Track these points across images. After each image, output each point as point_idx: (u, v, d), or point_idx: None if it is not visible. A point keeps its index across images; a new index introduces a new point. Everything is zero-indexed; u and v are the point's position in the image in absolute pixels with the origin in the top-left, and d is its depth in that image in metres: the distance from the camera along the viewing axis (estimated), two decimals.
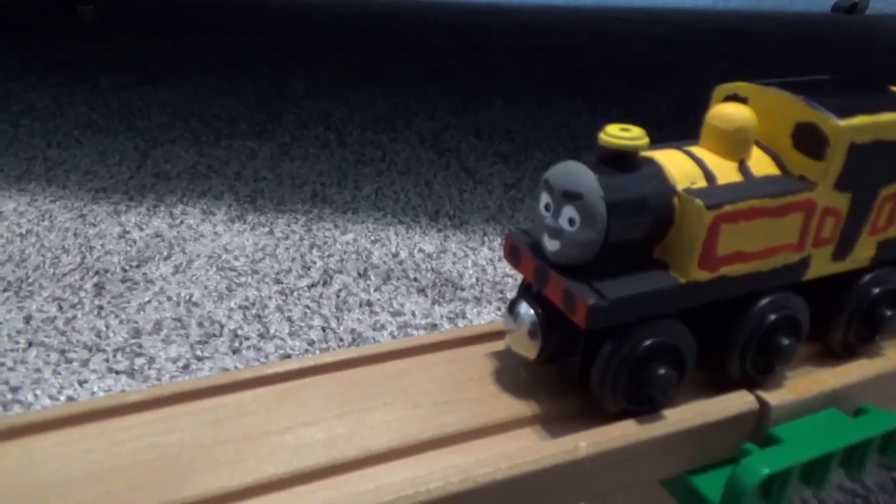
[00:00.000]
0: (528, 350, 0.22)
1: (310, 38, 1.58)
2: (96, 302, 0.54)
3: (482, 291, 0.56)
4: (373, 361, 0.24)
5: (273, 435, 0.20)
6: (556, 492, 0.20)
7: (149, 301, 0.54)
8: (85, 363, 0.47)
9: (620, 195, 0.19)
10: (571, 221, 0.20)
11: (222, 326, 0.51)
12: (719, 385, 0.23)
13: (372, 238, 0.65)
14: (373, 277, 0.58)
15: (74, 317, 0.52)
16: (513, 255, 0.22)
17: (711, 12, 2.26)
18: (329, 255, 0.62)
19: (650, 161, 0.21)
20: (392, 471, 0.20)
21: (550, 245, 0.20)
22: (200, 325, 0.51)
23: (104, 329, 0.50)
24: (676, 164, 0.21)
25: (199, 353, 0.48)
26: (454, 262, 0.61)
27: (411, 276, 0.58)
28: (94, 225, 0.67)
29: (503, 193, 0.76)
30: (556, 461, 0.20)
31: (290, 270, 0.59)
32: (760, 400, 0.22)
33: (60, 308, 0.53)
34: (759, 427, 0.22)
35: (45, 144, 0.89)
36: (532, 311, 0.21)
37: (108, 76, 1.20)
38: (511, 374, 0.24)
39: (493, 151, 0.89)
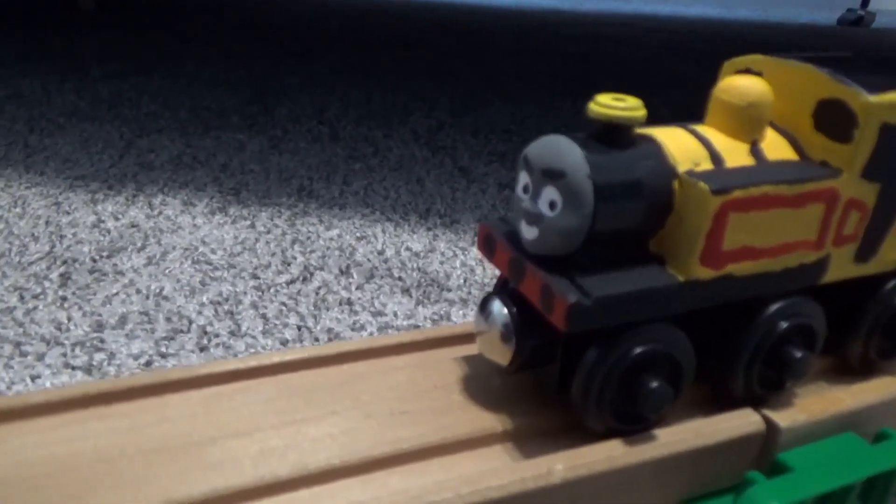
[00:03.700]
0: (501, 355, 0.19)
1: (309, 34, 1.56)
2: (60, 293, 0.51)
3: (469, 293, 0.53)
4: (325, 363, 0.21)
5: (194, 447, 0.17)
6: None
7: (116, 293, 0.51)
8: (41, 357, 0.44)
9: (611, 175, 0.17)
10: (552, 205, 0.17)
11: (191, 322, 0.48)
12: (720, 402, 0.20)
13: (357, 235, 0.62)
14: (355, 275, 0.55)
15: (35, 307, 0.49)
16: (487, 245, 0.19)
17: (717, 21, 2.24)
18: (311, 251, 0.59)
19: (647, 138, 0.18)
20: (331, 494, 0.17)
21: (528, 233, 0.17)
22: (168, 319, 0.48)
23: (65, 321, 0.47)
24: (678, 143, 0.18)
25: (163, 349, 0.45)
26: (442, 262, 0.58)
27: (396, 275, 0.55)
28: (68, 213, 0.64)
29: (497, 193, 0.73)
30: (525, 487, 0.17)
31: (268, 265, 0.56)
32: (768, 421, 0.19)
33: (22, 298, 0.50)
34: (765, 452, 0.19)
35: (27, 130, 0.86)
36: (505, 311, 0.18)
37: (100, 65, 1.17)
38: (482, 383, 0.21)
39: (489, 151, 0.86)
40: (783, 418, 0.20)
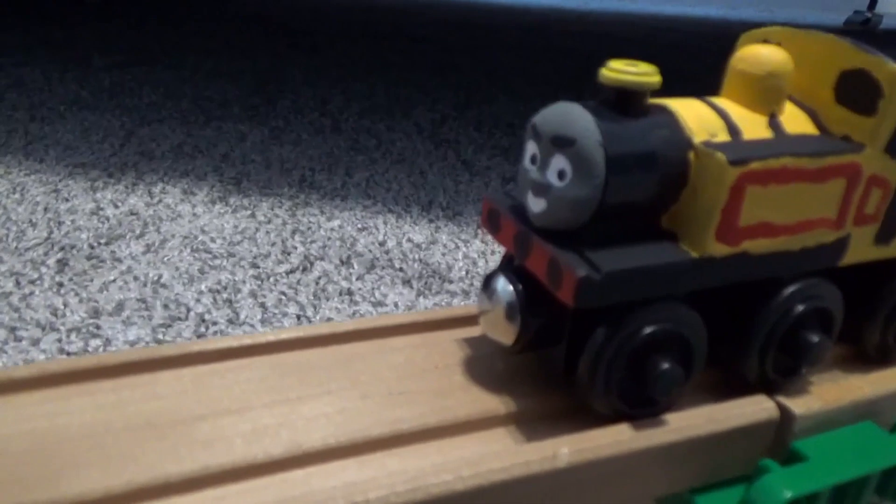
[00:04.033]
0: (505, 334, 0.18)
1: (313, 28, 1.55)
2: (57, 279, 0.50)
3: (471, 285, 0.53)
4: (321, 343, 0.20)
5: (183, 424, 0.16)
6: None
7: (113, 280, 0.50)
8: (35, 342, 0.43)
9: (624, 144, 0.16)
10: (561, 174, 0.16)
11: (189, 310, 0.47)
12: (732, 388, 0.19)
13: (359, 226, 0.62)
14: (356, 266, 0.54)
15: (31, 293, 0.48)
16: (491, 220, 0.19)
17: (722, 21, 2.23)
18: (311, 241, 0.58)
19: (662, 108, 0.17)
20: (326, 474, 0.16)
21: (535, 205, 0.17)
22: (166, 307, 0.48)
23: (61, 307, 0.47)
24: (693, 113, 0.17)
25: (160, 336, 0.44)
26: (444, 254, 0.57)
27: (397, 266, 0.55)
28: (67, 200, 0.64)
29: (500, 186, 0.73)
30: (530, 470, 0.16)
31: (268, 255, 0.56)
32: (782, 407, 0.19)
33: (18, 283, 0.49)
34: (779, 440, 0.19)
35: (28, 118, 0.85)
36: (511, 288, 0.18)
37: (103, 56, 1.17)
38: (483, 365, 0.20)
39: (492, 145, 0.85)
40: (798, 405, 0.19)
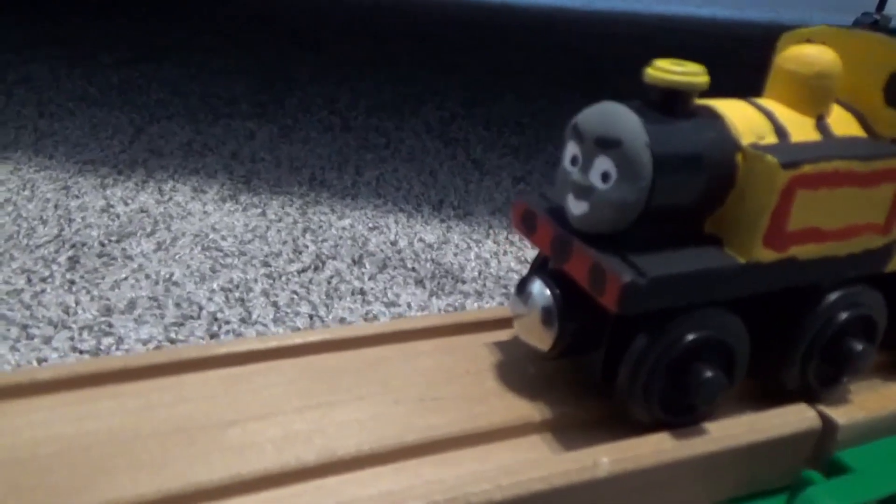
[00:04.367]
0: (541, 340, 0.17)
1: (319, 26, 1.55)
2: (68, 276, 0.50)
3: (484, 286, 0.52)
4: (349, 346, 0.19)
5: (213, 429, 0.16)
6: None
7: (125, 278, 0.50)
8: (47, 340, 0.43)
9: (671, 146, 0.15)
10: (605, 176, 0.15)
11: (201, 308, 0.47)
12: (771, 397, 0.19)
13: (370, 225, 0.61)
14: (368, 265, 0.54)
15: (43, 290, 0.48)
16: (526, 221, 0.18)
17: (729, 22, 2.22)
18: (323, 240, 0.58)
19: (708, 109, 0.16)
20: (361, 482, 0.15)
21: (576, 207, 0.16)
22: (178, 305, 0.47)
23: (73, 305, 0.46)
24: (740, 115, 0.16)
25: (173, 335, 0.44)
26: (456, 254, 0.57)
27: (409, 266, 0.54)
28: (78, 197, 0.63)
29: (511, 186, 0.72)
30: (570, 480, 0.15)
31: (280, 254, 0.55)
32: (824, 417, 0.18)
33: (29, 281, 0.49)
34: (821, 450, 0.18)
35: (37, 115, 0.85)
36: (548, 292, 0.17)
37: (110, 52, 1.17)
38: (515, 369, 0.19)
39: (502, 143, 0.85)
40: (840, 415, 0.18)
